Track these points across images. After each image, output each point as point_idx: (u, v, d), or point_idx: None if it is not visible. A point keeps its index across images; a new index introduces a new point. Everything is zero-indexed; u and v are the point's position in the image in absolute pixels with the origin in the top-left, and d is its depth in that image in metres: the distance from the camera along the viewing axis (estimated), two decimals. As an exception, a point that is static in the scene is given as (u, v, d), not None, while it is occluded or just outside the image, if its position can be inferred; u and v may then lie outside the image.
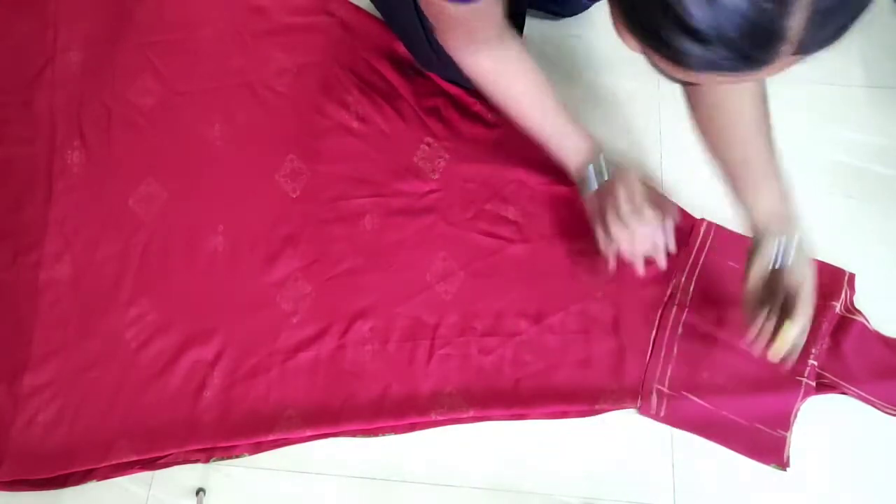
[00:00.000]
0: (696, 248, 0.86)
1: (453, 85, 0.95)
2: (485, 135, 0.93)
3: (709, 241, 0.87)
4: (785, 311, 0.71)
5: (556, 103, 0.78)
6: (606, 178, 0.78)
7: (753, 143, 0.71)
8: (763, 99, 0.70)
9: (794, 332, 0.69)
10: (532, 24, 0.96)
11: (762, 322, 0.71)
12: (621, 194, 0.76)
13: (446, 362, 0.83)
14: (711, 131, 0.74)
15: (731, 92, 0.70)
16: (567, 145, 0.79)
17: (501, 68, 0.76)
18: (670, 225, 0.78)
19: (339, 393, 0.82)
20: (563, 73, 0.98)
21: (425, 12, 0.72)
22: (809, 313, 0.71)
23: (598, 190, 0.78)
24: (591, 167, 0.78)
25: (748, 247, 0.75)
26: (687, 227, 0.88)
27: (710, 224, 0.88)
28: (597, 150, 0.79)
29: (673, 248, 0.79)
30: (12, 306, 0.87)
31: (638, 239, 0.77)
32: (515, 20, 0.93)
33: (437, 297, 0.86)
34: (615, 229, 0.76)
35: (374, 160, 0.92)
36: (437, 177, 0.92)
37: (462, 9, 0.65)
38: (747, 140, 0.72)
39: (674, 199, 0.89)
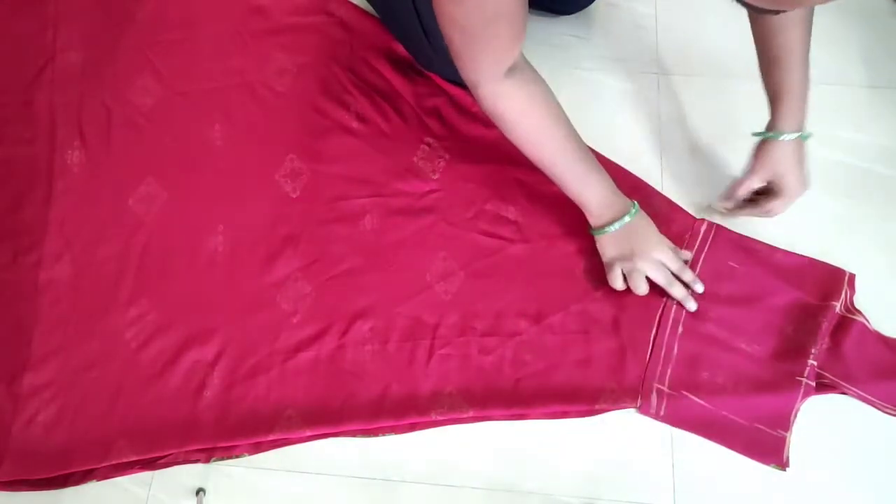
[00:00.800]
0: (695, 248, 0.86)
1: (453, 85, 0.95)
2: (485, 135, 0.93)
3: (709, 241, 0.87)
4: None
5: (580, 148, 0.78)
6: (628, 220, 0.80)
7: (785, 41, 0.77)
8: (810, 25, 0.77)
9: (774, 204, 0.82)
10: (532, 24, 0.96)
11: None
12: (648, 257, 0.80)
13: (446, 362, 0.83)
14: (756, 19, 0.79)
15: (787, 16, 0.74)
16: (589, 193, 0.80)
17: (528, 108, 0.75)
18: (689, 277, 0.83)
19: (339, 393, 0.82)
20: (563, 72, 0.98)
21: (448, 36, 0.69)
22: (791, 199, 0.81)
23: (614, 233, 0.80)
24: (617, 224, 0.79)
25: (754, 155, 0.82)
26: (687, 227, 0.88)
27: (710, 224, 0.88)
28: (622, 205, 0.80)
29: (700, 289, 0.83)
30: (12, 306, 0.87)
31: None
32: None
33: (437, 297, 0.86)
34: (639, 283, 0.81)
35: (374, 160, 0.92)
36: (437, 177, 0.92)
37: None
38: (780, 36, 0.77)
39: (674, 199, 0.90)
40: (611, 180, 0.80)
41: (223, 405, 0.81)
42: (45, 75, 0.99)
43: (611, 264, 0.82)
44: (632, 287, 0.82)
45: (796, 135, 0.79)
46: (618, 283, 0.82)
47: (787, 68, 0.77)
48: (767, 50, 0.79)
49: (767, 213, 0.84)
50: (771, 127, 0.81)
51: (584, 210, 0.82)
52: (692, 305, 0.82)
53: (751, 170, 0.83)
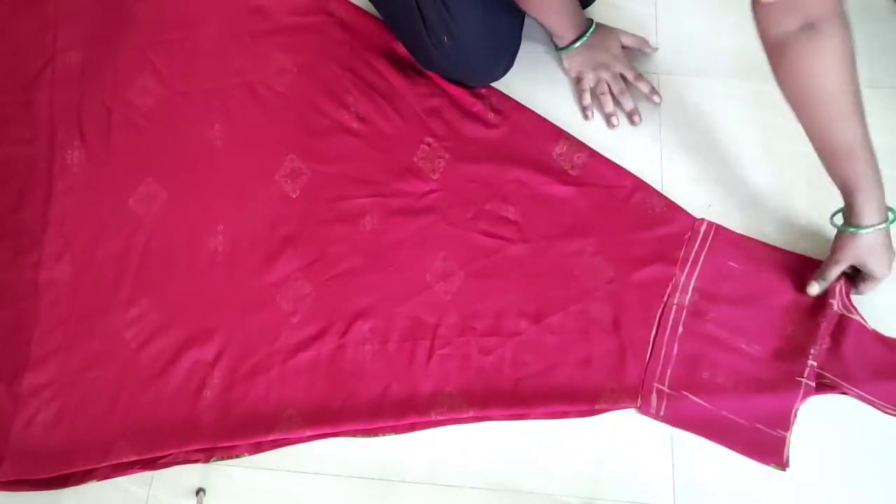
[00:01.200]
0: (695, 247, 0.86)
1: (453, 85, 0.95)
2: (485, 135, 0.93)
3: (709, 241, 0.87)
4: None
5: None
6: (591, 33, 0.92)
7: (839, 131, 0.74)
8: (852, 77, 0.72)
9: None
10: (532, 24, 0.96)
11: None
12: (608, 69, 0.93)
13: (446, 362, 0.83)
14: (800, 112, 0.76)
15: (818, 70, 0.72)
16: (558, 18, 0.91)
17: None
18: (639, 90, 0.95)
19: (339, 393, 0.82)
20: (565, 73, 0.98)
21: None
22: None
23: (578, 48, 0.93)
24: (579, 42, 0.92)
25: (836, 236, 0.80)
26: (687, 227, 0.88)
27: (710, 224, 0.88)
28: (584, 23, 0.92)
29: (657, 100, 0.95)
30: (12, 306, 0.87)
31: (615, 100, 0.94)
32: (517, 19, 0.93)
33: (436, 297, 0.86)
34: (606, 102, 0.94)
35: (374, 160, 0.92)
36: (437, 177, 0.92)
37: None
38: (833, 128, 0.74)
39: (674, 199, 0.90)
40: (573, 2, 0.91)
41: (223, 405, 0.81)
42: (45, 75, 0.99)
43: (579, 78, 0.95)
44: (601, 107, 0.94)
45: (882, 225, 0.76)
46: (585, 98, 0.94)
47: (855, 159, 0.73)
48: (829, 143, 0.75)
49: (857, 293, 0.83)
50: (852, 220, 0.77)
51: (552, 33, 0.94)
52: (637, 119, 0.94)
53: (836, 258, 0.79)
